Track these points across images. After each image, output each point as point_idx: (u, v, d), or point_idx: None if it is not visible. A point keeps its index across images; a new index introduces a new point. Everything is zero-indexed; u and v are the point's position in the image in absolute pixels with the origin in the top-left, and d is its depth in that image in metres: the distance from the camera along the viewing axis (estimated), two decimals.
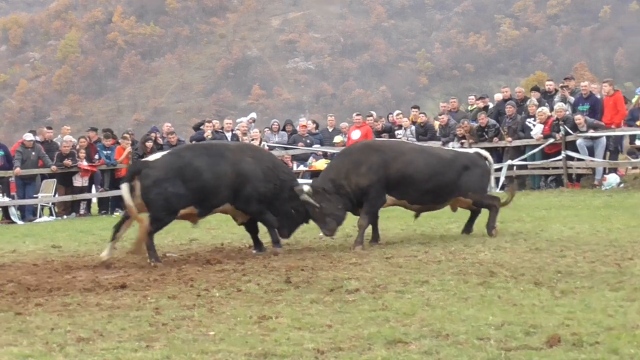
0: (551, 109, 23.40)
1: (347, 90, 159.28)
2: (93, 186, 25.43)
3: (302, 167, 25.65)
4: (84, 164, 24.52)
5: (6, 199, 24.59)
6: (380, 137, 25.67)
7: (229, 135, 26.49)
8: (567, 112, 22.90)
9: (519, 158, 23.69)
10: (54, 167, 24.22)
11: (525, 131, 23.61)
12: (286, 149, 26.50)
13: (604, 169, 22.57)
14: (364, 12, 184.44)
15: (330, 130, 27.98)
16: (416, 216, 14.09)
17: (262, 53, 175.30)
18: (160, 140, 25.43)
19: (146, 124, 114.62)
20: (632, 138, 22.59)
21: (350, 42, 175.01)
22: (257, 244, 13.09)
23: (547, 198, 20.38)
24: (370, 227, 13.38)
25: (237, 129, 27.63)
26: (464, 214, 14.41)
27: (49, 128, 28.09)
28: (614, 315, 7.47)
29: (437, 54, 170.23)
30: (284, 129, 28.29)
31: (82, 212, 24.87)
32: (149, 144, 24.13)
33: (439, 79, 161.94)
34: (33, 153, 24.60)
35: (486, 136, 24.35)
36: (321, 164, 24.52)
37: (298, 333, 7.30)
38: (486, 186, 14.07)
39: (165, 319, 8.13)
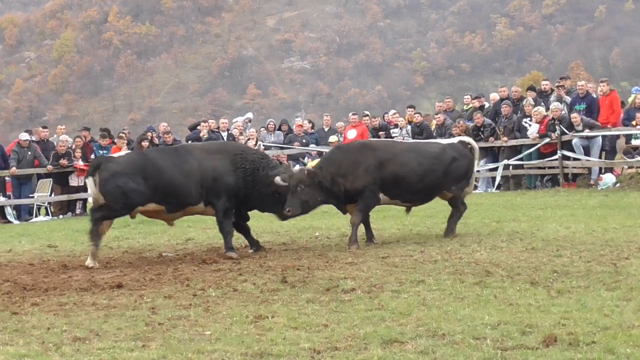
0: (547, 109, 23.39)
1: (343, 89, 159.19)
2: None
3: (297, 167, 25.60)
4: (80, 163, 24.46)
5: (2, 199, 24.54)
6: (378, 135, 25.69)
7: (225, 134, 26.47)
8: (563, 112, 22.90)
9: (515, 158, 23.68)
10: (50, 167, 24.18)
11: (522, 131, 23.59)
12: (282, 148, 26.47)
13: (600, 168, 22.58)
14: (360, 12, 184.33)
15: (326, 129, 27.95)
16: (407, 211, 14.14)
17: (257, 52, 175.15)
18: (156, 140, 25.38)
19: (142, 123, 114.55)
20: (628, 138, 22.57)
21: (346, 42, 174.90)
22: (252, 243, 13.09)
23: (543, 198, 20.39)
24: (363, 227, 13.38)
25: (234, 128, 27.63)
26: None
27: (44, 127, 28.02)
28: (610, 314, 7.48)
29: (432, 54, 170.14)
30: (279, 129, 28.26)
31: (78, 211, 24.81)
32: (145, 143, 24.08)
33: (435, 78, 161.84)
34: (29, 153, 24.56)
35: (482, 136, 24.33)
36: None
37: (294, 332, 7.31)
38: (470, 178, 14.13)
39: (161, 318, 8.14)
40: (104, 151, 24.81)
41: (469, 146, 14.18)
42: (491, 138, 24.15)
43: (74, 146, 25.15)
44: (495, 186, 23.95)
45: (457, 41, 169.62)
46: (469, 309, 7.90)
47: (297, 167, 16.60)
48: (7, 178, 24.79)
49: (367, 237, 13.40)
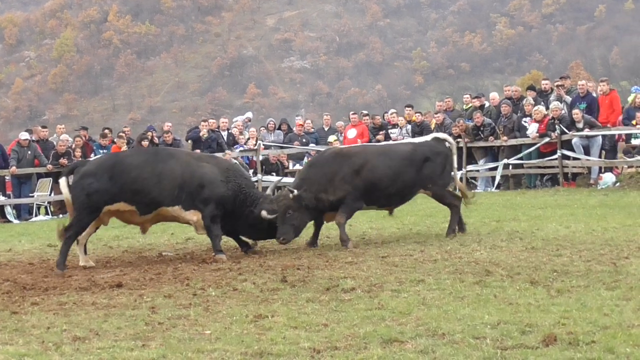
0: (547, 108, 23.39)
1: (343, 89, 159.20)
2: None
3: (297, 167, 25.61)
4: None
5: (2, 198, 24.54)
6: (378, 134, 25.70)
7: (225, 134, 26.50)
8: (563, 111, 22.91)
9: (515, 157, 23.68)
10: (49, 166, 24.18)
11: (522, 130, 23.59)
12: (282, 147, 26.47)
13: (600, 168, 22.58)
14: (360, 11, 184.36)
15: (326, 129, 27.96)
16: (390, 213, 14.15)
17: (257, 52, 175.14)
18: (156, 140, 25.38)
19: (142, 123, 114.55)
20: (628, 137, 22.57)
21: (346, 41, 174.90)
22: (243, 245, 13.05)
23: (543, 197, 20.39)
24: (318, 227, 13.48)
25: (234, 127, 27.66)
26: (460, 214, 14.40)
27: (44, 127, 28.03)
28: (609, 314, 7.48)
29: (432, 53, 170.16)
30: (279, 128, 28.26)
31: None
32: (145, 143, 24.09)
33: (435, 78, 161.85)
34: (29, 152, 24.58)
35: (482, 135, 24.34)
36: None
37: (294, 332, 7.31)
38: (448, 175, 14.06)
39: (161, 318, 8.14)
40: (104, 150, 24.81)
41: (445, 143, 14.12)
42: (491, 137, 24.15)
43: (74, 145, 25.15)
44: (495, 185, 23.96)
45: (457, 41, 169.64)
46: (469, 309, 7.90)
47: (297, 166, 16.57)
48: (7, 177, 24.79)
49: (311, 241, 13.36)
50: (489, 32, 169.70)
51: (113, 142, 25.74)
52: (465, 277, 9.53)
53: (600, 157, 22.54)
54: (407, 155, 13.55)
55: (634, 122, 21.96)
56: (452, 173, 14.18)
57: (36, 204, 25.00)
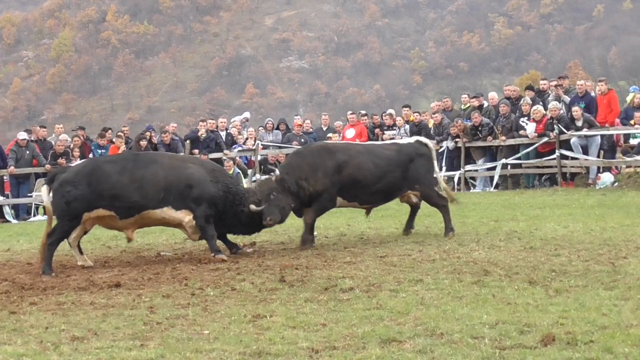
0: (545, 108, 23.40)
1: (341, 89, 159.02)
2: None
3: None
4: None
5: (0, 198, 24.53)
6: (375, 134, 25.69)
7: (223, 134, 26.50)
8: (561, 111, 22.92)
9: (513, 157, 23.69)
10: (48, 166, 24.13)
11: (519, 130, 23.58)
12: (280, 147, 26.46)
13: (598, 167, 22.59)
14: (358, 11, 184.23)
15: (324, 129, 27.95)
16: (367, 213, 14.17)
17: (255, 52, 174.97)
18: (154, 140, 25.36)
19: (140, 122, 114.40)
20: (626, 137, 22.58)
21: (344, 41, 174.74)
22: (231, 246, 13.02)
23: (541, 197, 20.40)
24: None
25: (232, 127, 27.65)
26: (456, 213, 14.42)
27: (43, 127, 28.02)
28: (608, 314, 7.49)
29: (430, 53, 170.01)
30: (277, 128, 28.26)
31: None
32: (143, 142, 24.07)
33: (433, 77, 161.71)
34: (27, 152, 24.56)
35: (480, 135, 24.35)
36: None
37: (292, 332, 7.31)
38: (432, 175, 14.17)
39: (159, 317, 8.15)
40: (102, 150, 24.81)
41: (426, 146, 14.24)
42: (489, 137, 24.15)
43: (72, 145, 25.14)
44: (494, 185, 23.96)
45: (455, 40, 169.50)
46: (467, 308, 7.91)
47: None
48: (5, 177, 24.78)
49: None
50: (487, 32, 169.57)
51: (111, 141, 25.72)
52: (463, 277, 9.54)
53: (598, 157, 22.54)
54: (392, 154, 13.69)
55: (632, 122, 21.97)
56: (435, 175, 14.29)
57: (34, 204, 24.95)
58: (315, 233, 13.81)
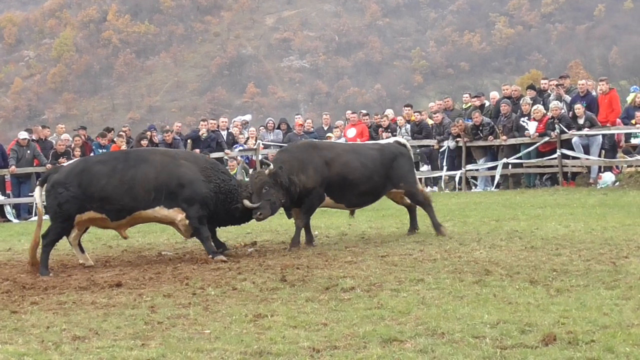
0: (547, 108, 23.39)
1: (342, 88, 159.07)
2: None
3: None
4: None
5: (1, 198, 24.55)
6: (377, 133, 25.71)
7: (224, 133, 26.52)
8: (562, 111, 22.91)
9: (514, 156, 23.68)
10: (49, 166, 24.13)
11: (520, 130, 23.57)
12: (281, 147, 26.44)
13: (599, 167, 22.58)
14: (359, 11, 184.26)
15: (325, 128, 27.94)
16: (352, 214, 14.19)
17: (256, 51, 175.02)
18: (156, 139, 25.36)
19: (141, 122, 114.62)
20: (628, 136, 22.56)
21: (345, 41, 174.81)
22: (219, 245, 12.96)
23: (542, 196, 20.39)
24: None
25: (234, 127, 27.68)
26: (457, 212, 14.40)
27: (45, 127, 28.05)
28: (609, 313, 7.48)
29: (431, 53, 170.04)
30: (278, 128, 28.26)
31: None
32: (144, 142, 24.08)
33: (434, 77, 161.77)
34: (28, 151, 24.57)
35: (481, 135, 24.34)
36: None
37: (293, 331, 7.31)
38: (414, 174, 14.32)
39: (160, 317, 8.14)
40: (104, 150, 24.80)
41: (404, 146, 14.34)
42: (490, 137, 24.14)
43: (73, 145, 25.15)
44: (495, 185, 23.95)
45: (456, 40, 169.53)
46: (468, 308, 7.90)
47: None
48: (6, 177, 24.79)
49: (307, 240, 13.34)
50: (488, 31, 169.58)
51: (112, 141, 25.72)
52: (464, 277, 9.53)
53: (599, 156, 22.53)
54: (376, 153, 13.75)
55: (633, 121, 21.96)
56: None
57: (35, 204, 24.96)
58: (315, 233, 13.83)
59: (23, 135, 25.16)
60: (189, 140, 25.91)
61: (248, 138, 26.81)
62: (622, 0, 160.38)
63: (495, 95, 26.36)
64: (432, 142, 25.61)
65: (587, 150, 22.44)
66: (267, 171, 12.47)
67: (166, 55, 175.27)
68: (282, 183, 12.51)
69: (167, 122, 33.49)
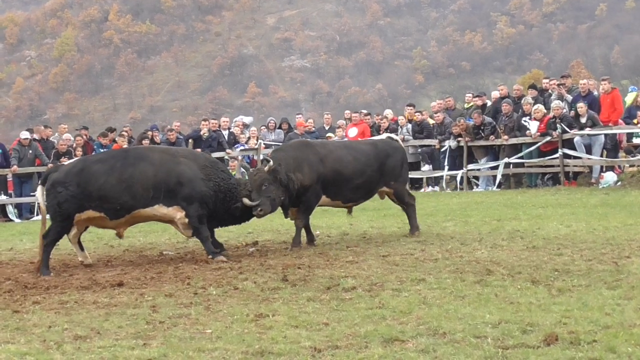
0: (548, 107, 23.38)
1: (343, 88, 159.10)
2: None
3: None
4: None
5: (3, 197, 24.57)
6: (379, 133, 25.71)
7: (225, 133, 26.55)
8: (564, 110, 22.89)
9: (516, 156, 23.66)
10: (50, 165, 24.14)
11: (522, 129, 23.55)
12: None
13: (601, 167, 22.57)
14: (360, 10, 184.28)
15: (326, 128, 27.95)
16: (349, 212, 14.19)
17: (257, 51, 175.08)
18: (158, 139, 25.38)
19: (142, 122, 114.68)
20: (629, 136, 22.56)
21: (346, 40, 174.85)
22: (217, 245, 12.93)
23: (544, 196, 20.39)
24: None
25: (235, 126, 27.72)
26: (458, 212, 14.40)
27: (47, 127, 28.09)
28: (611, 313, 7.48)
29: (433, 52, 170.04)
30: (280, 127, 28.27)
31: None
32: (146, 142, 24.10)
33: (435, 77, 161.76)
34: (30, 151, 24.59)
35: (482, 134, 24.34)
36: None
37: (295, 331, 7.31)
38: (406, 172, 14.45)
39: (162, 317, 8.15)
40: (105, 150, 24.81)
41: (397, 142, 14.39)
42: (492, 136, 24.14)
43: (74, 145, 25.16)
44: (496, 184, 23.95)
45: (458, 39, 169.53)
46: (470, 308, 7.90)
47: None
48: (8, 176, 24.80)
49: (308, 239, 13.35)
50: (490, 31, 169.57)
51: (114, 141, 25.75)
52: (466, 276, 9.53)
53: (601, 156, 22.52)
54: (370, 148, 13.81)
55: (635, 121, 21.96)
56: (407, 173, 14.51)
57: (37, 203, 24.96)
58: (317, 232, 13.83)
59: (25, 135, 25.17)
60: (190, 140, 25.95)
61: (249, 138, 26.82)
62: None
63: (497, 95, 26.37)
64: (433, 141, 25.62)
65: (589, 150, 22.42)
66: (266, 168, 12.44)
67: (167, 55, 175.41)
68: (282, 180, 12.49)
69: (169, 121, 33.50)
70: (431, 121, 26.44)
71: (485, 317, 7.42)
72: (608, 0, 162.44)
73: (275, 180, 12.44)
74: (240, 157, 25.52)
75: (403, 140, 21.80)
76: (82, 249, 12.54)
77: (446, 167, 25.14)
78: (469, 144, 24.50)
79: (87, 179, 11.82)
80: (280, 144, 26.26)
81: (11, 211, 24.18)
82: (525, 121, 23.52)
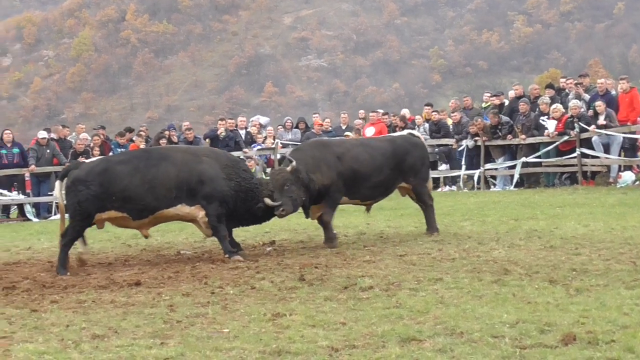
0: (565, 107, 23.31)
1: (360, 87, 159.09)
2: None
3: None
4: None
5: (21, 197, 24.68)
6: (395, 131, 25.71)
7: (242, 132, 26.61)
8: (582, 109, 22.82)
9: (533, 155, 23.59)
10: (68, 165, 24.23)
11: (539, 129, 23.50)
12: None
13: (619, 166, 22.48)
14: (377, 10, 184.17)
15: (343, 127, 27.95)
16: (367, 210, 14.15)
17: (274, 51, 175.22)
18: (175, 138, 25.44)
19: (159, 121, 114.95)
20: None
21: (363, 40, 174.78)
22: (234, 245, 12.92)
23: (562, 195, 20.32)
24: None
25: (252, 125, 27.77)
26: (476, 212, 14.36)
27: (65, 126, 28.21)
28: (629, 313, 7.44)
29: (449, 51, 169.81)
30: (296, 127, 28.29)
31: None
32: (163, 141, 24.16)
33: (452, 76, 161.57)
34: (47, 151, 24.69)
35: (500, 134, 24.29)
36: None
37: (312, 330, 7.30)
38: (427, 170, 14.23)
39: (179, 316, 8.15)
40: (122, 149, 24.91)
41: (418, 139, 14.34)
42: (509, 136, 24.09)
43: (92, 144, 25.24)
44: (514, 184, 23.90)
45: (475, 39, 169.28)
46: (487, 307, 7.88)
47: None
48: (26, 176, 24.91)
49: (326, 239, 13.34)
50: (507, 30, 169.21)
51: (131, 140, 25.83)
52: (483, 276, 9.50)
53: (619, 155, 22.43)
54: (387, 146, 13.74)
55: None
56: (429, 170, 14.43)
57: (55, 203, 25.06)
58: (334, 232, 13.80)
59: (42, 134, 25.27)
60: (207, 140, 26.00)
61: (266, 137, 26.85)
62: None
63: (512, 94, 26.33)
64: (450, 141, 25.60)
65: (607, 149, 22.34)
66: (289, 168, 12.44)
67: (184, 54, 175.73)
68: (303, 180, 12.50)
69: (185, 121, 33.70)
70: (449, 120, 26.43)
71: (503, 317, 7.40)
72: None
73: (297, 180, 12.44)
74: (257, 157, 25.55)
75: None
76: (84, 242, 12.45)
77: (463, 167, 25.12)
78: (486, 143, 24.46)
79: (111, 180, 11.78)
80: (297, 143, 26.34)
81: (29, 210, 24.27)
82: (543, 120, 23.46)
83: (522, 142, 23.79)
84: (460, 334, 6.91)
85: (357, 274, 9.96)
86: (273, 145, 25.98)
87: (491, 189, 24.39)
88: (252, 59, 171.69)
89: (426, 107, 27.82)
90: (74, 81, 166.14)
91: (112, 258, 12.89)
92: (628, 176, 21.81)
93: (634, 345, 6.37)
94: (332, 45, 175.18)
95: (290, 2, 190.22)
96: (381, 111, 28.31)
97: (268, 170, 20.88)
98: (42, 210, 24.66)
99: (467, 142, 24.86)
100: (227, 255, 12.05)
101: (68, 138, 26.61)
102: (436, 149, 26.04)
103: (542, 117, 23.56)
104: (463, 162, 25.12)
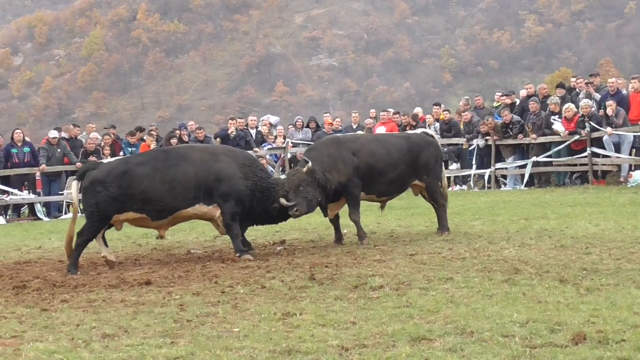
0: (577, 106, 23.26)
1: (371, 87, 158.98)
2: None
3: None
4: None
5: (32, 196, 24.75)
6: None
7: (253, 132, 26.63)
8: (593, 109, 22.77)
9: (544, 154, 23.55)
10: (79, 164, 24.28)
11: (551, 128, 23.45)
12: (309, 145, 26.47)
13: (630, 165, 22.41)
14: (388, 9, 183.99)
15: (354, 126, 27.94)
16: (382, 207, 14.14)
17: (285, 50, 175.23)
18: (186, 138, 25.48)
19: (170, 121, 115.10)
20: None
21: (374, 39, 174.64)
22: (245, 244, 12.91)
23: (572, 195, 20.28)
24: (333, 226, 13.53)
25: (262, 125, 27.78)
26: (486, 211, 14.34)
27: (76, 126, 28.27)
28: (639, 312, 7.42)
29: (460, 51, 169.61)
30: (307, 126, 28.29)
31: None
32: (174, 141, 24.18)
33: (463, 75, 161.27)
34: (58, 150, 24.74)
35: (511, 133, 24.27)
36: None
37: (322, 330, 7.30)
38: (440, 167, 14.17)
39: (189, 315, 8.16)
40: (133, 149, 24.97)
41: (432, 137, 14.34)
42: (520, 135, 24.06)
43: (102, 143, 25.30)
44: (524, 183, 23.86)
45: (486, 38, 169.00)
46: (498, 307, 7.87)
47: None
48: (37, 175, 24.96)
49: (336, 238, 13.37)
50: (518, 29, 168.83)
51: (142, 139, 25.88)
52: (493, 275, 9.49)
53: (630, 154, 22.37)
54: (402, 142, 13.74)
55: None
56: (442, 168, 14.37)
57: (66, 202, 25.12)
58: (345, 231, 13.81)
59: (53, 133, 25.34)
60: (217, 139, 26.02)
61: (277, 136, 26.87)
62: None
63: (524, 94, 26.29)
64: (461, 140, 25.58)
65: (617, 149, 22.28)
66: (305, 169, 12.44)
67: (195, 54, 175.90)
68: (319, 180, 12.50)
69: (196, 120, 33.69)
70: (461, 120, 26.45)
71: (513, 316, 7.39)
72: None
73: (313, 181, 12.45)
74: (268, 157, 25.57)
75: None
76: (105, 244, 12.43)
77: (474, 166, 25.10)
78: (497, 142, 24.43)
79: (131, 182, 11.78)
80: (308, 142, 26.36)
81: (40, 210, 24.36)
82: (554, 120, 23.41)
83: (533, 141, 23.74)
84: (470, 333, 6.91)
85: (368, 273, 9.95)
86: (284, 145, 25.98)
87: (502, 188, 24.36)
88: (263, 58, 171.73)
89: (435, 107, 27.80)
90: (85, 80, 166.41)
91: (123, 257, 12.91)
92: (639, 175, 21.73)
93: None
94: (343, 45, 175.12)
95: (301, 1, 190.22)
96: (392, 110, 28.25)
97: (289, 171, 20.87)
98: (53, 210, 24.74)
99: (478, 142, 24.85)
100: (237, 254, 12.05)
101: (79, 137, 26.64)
102: (446, 148, 26.01)
103: (553, 117, 23.51)
104: (474, 162, 25.11)
